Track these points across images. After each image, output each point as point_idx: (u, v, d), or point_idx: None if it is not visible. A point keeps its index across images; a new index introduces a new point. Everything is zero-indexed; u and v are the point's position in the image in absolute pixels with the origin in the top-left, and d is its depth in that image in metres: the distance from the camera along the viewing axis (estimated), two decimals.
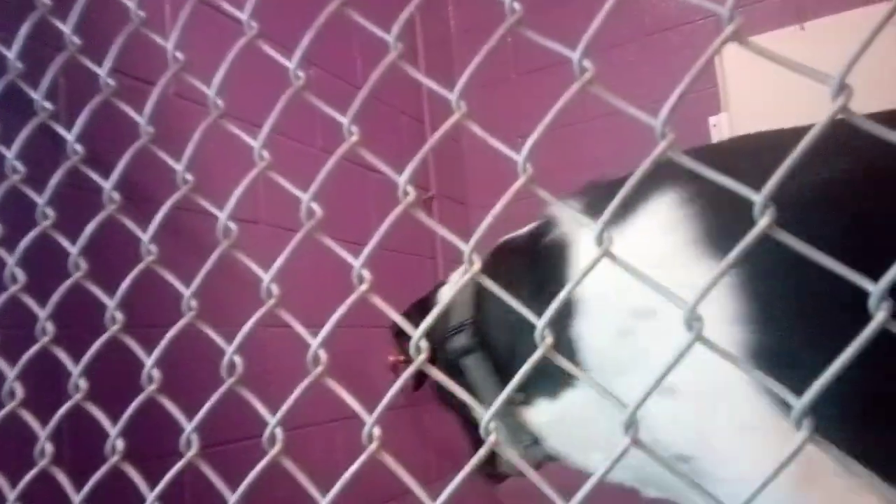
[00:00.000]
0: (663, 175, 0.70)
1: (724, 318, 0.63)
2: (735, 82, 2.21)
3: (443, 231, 0.58)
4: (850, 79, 0.43)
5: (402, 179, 0.58)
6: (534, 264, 0.90)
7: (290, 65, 0.63)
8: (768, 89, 2.13)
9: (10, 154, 0.81)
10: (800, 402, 0.41)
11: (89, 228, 0.73)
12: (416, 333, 0.55)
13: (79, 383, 0.71)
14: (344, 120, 0.61)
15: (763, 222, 0.42)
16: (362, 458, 0.53)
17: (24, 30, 0.84)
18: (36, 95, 0.81)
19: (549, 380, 0.84)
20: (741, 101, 2.21)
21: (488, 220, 0.55)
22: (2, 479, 0.77)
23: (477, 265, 0.55)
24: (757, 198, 0.43)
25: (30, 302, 0.78)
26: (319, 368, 0.57)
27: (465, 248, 0.55)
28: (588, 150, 2.39)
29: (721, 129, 2.21)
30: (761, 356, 0.58)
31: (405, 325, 0.57)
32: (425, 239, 2.38)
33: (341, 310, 0.57)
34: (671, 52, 2.34)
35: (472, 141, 2.65)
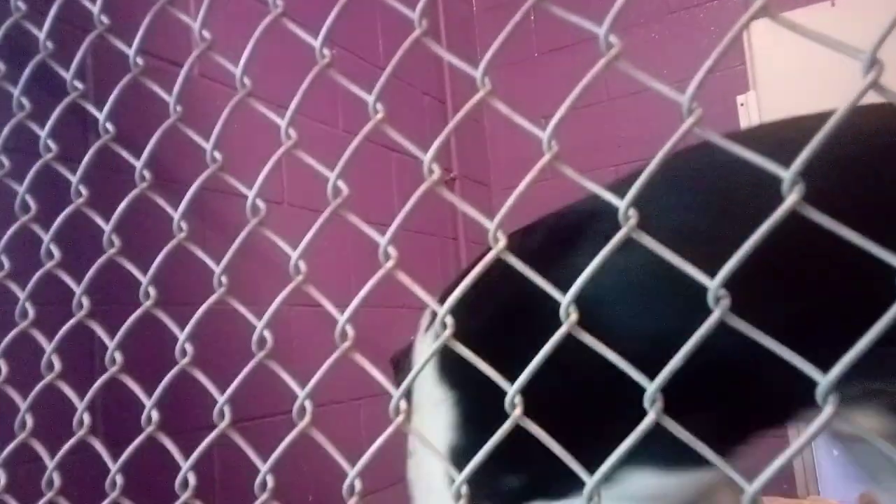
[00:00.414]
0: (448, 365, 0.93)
1: (445, 426, 0.90)
2: (763, 60, 2.17)
3: (466, 208, 0.58)
4: (881, 54, 0.42)
5: (427, 157, 0.58)
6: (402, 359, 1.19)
7: (316, 43, 0.63)
8: (797, 68, 2.09)
9: (42, 133, 0.83)
10: (825, 379, 0.41)
11: (122, 206, 0.74)
12: (443, 310, 0.56)
13: (115, 356, 0.73)
14: (369, 98, 0.61)
15: (792, 198, 0.42)
16: (389, 429, 0.54)
17: (54, 10, 0.85)
18: (67, 75, 0.82)
19: None
20: (769, 80, 2.17)
21: (513, 198, 0.55)
22: (42, 448, 0.79)
23: (502, 242, 0.55)
24: (785, 174, 0.43)
25: (66, 278, 0.80)
26: (347, 343, 0.58)
27: (490, 225, 0.56)
28: (612, 131, 2.37)
29: (748, 107, 2.17)
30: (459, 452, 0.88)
31: (429, 301, 0.57)
32: (447, 220, 2.39)
33: (369, 285, 0.58)
34: (697, 30, 2.30)
35: (494, 122, 2.63)
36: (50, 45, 0.86)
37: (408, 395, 0.55)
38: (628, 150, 2.33)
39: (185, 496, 0.66)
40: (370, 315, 1.71)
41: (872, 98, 0.45)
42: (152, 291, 0.72)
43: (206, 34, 0.72)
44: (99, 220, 0.77)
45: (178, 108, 0.73)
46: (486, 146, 2.65)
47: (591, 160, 2.30)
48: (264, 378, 0.68)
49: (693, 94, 0.47)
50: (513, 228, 1.05)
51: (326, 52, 0.63)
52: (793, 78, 2.10)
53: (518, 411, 0.50)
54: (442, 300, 0.56)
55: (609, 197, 0.52)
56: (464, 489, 0.50)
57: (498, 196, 2.62)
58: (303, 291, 0.64)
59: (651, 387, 0.45)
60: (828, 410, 0.39)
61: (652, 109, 2.26)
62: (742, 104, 2.18)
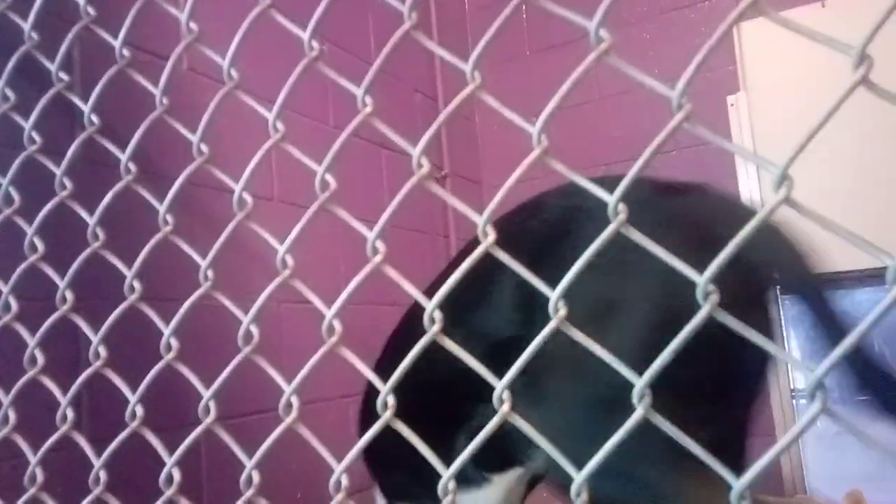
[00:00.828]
0: None
1: None
2: (754, 62, 2.19)
3: (456, 202, 0.58)
4: (871, 51, 0.43)
5: (416, 151, 0.58)
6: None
7: (305, 35, 0.63)
8: (787, 69, 2.10)
9: (27, 125, 0.82)
10: (813, 375, 0.41)
11: (107, 198, 0.73)
12: (430, 305, 0.56)
13: (99, 351, 0.72)
14: (358, 91, 0.60)
15: (782, 192, 0.42)
16: (377, 425, 0.53)
17: (39, 0, 0.84)
18: (52, 66, 0.81)
19: None
20: (760, 81, 2.18)
21: (502, 192, 0.55)
22: (24, 444, 0.78)
23: (491, 237, 0.55)
24: (775, 171, 0.43)
25: (49, 271, 0.79)
26: (334, 338, 0.58)
27: (479, 220, 0.55)
28: (601, 130, 2.38)
29: (739, 108, 2.18)
30: None
31: (420, 297, 0.57)
32: (438, 217, 2.38)
33: (357, 279, 0.57)
34: (689, 30, 2.31)
35: (485, 119, 2.63)
36: (35, 36, 0.85)
37: (395, 390, 0.55)
38: (619, 149, 2.33)
39: (169, 492, 0.65)
40: (359, 313, 1.70)
41: (862, 94, 0.45)
42: (137, 285, 0.71)
43: (194, 26, 0.71)
44: (83, 213, 0.76)
45: (165, 101, 0.72)
46: (477, 144, 2.65)
47: (582, 159, 2.30)
48: (253, 375, 0.68)
49: (683, 88, 0.47)
50: None
51: (315, 44, 0.63)
52: (783, 79, 2.11)
53: (506, 407, 0.50)
54: (428, 294, 0.56)
55: (599, 192, 0.52)
56: (451, 485, 0.50)
57: (489, 194, 2.62)
58: (291, 288, 0.63)
59: (639, 383, 0.45)
60: (815, 405, 0.39)
61: (643, 109, 2.26)
62: (732, 105, 2.19)
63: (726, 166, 2.19)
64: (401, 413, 0.54)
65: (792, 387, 2.13)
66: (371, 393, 0.63)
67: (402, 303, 1.92)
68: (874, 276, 1.88)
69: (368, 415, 1.13)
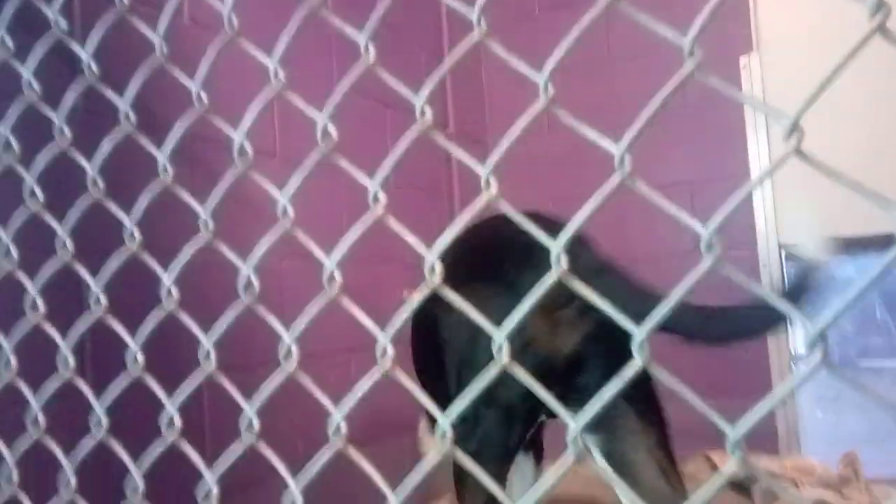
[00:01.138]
0: None
1: None
2: (768, 22, 2.14)
3: (460, 153, 0.57)
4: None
5: (419, 100, 0.57)
6: None
7: None
8: (802, 28, 2.06)
9: (26, 72, 0.81)
10: (814, 326, 0.40)
11: (106, 145, 0.72)
12: (431, 255, 0.55)
13: (99, 298, 0.72)
14: (361, 38, 0.59)
15: (792, 143, 0.41)
16: (377, 372, 0.54)
17: None
18: (50, 13, 0.80)
19: None
20: (773, 42, 2.13)
21: (507, 141, 0.54)
22: (27, 390, 0.79)
23: (494, 188, 0.54)
24: (785, 122, 0.42)
25: (49, 219, 0.78)
26: (335, 289, 0.58)
27: (483, 171, 0.55)
28: (612, 92, 2.34)
29: (751, 69, 2.14)
30: None
31: (418, 245, 0.57)
32: (441, 176, 2.37)
33: (358, 228, 0.57)
34: None
35: (492, 79, 2.59)
36: None
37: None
38: (628, 109, 2.30)
39: (171, 437, 0.66)
40: (360, 270, 1.71)
41: (878, 46, 0.44)
42: (137, 234, 0.71)
43: None
44: (83, 161, 0.75)
45: (165, 48, 0.71)
46: (483, 105, 2.62)
47: (590, 118, 2.27)
48: (255, 329, 0.68)
49: (696, 35, 0.46)
50: (507, 180, 1.05)
51: None
52: (797, 39, 2.07)
53: (505, 358, 0.50)
54: None
55: (606, 144, 0.51)
56: (449, 431, 0.50)
57: None
58: (293, 243, 0.63)
59: (639, 333, 0.45)
60: (815, 356, 0.39)
61: (653, 69, 2.23)
62: (744, 66, 2.15)
63: (735, 123, 2.16)
64: None
65: (792, 352, 2.14)
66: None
67: (402, 259, 1.92)
68: (885, 242, 1.87)
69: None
